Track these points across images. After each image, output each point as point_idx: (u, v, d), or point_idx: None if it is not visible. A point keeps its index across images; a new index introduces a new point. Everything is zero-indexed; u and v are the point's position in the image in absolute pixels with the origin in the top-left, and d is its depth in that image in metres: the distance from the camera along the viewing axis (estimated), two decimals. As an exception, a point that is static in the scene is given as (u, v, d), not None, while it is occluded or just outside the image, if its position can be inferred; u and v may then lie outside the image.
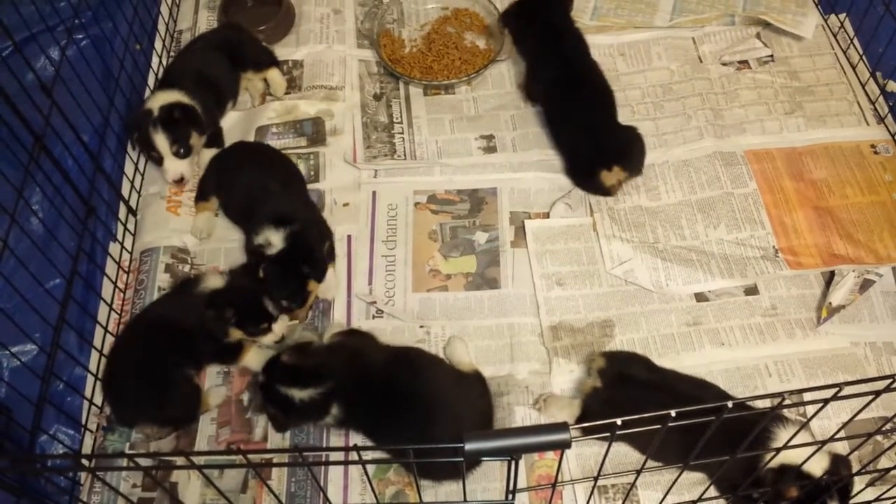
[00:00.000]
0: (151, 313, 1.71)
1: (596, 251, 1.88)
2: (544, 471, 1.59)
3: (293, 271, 1.68)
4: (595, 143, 1.93)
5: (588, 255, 1.87)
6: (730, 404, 0.86)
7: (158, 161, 1.91)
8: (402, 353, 1.65)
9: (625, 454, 1.59)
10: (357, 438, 1.62)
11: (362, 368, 1.56)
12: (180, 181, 1.92)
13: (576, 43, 2.06)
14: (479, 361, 1.70)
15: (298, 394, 1.49)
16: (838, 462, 1.36)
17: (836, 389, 0.88)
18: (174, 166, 1.90)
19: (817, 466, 1.32)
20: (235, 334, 1.64)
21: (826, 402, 0.90)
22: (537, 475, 1.58)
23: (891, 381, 0.89)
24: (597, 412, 1.53)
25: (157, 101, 1.90)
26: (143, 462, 1.53)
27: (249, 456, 1.55)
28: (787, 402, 0.97)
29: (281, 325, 1.67)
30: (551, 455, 1.61)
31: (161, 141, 1.87)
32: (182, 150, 1.89)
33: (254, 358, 1.69)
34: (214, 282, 1.64)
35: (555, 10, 2.09)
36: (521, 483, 1.58)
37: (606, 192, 1.94)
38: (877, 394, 0.91)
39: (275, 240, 1.68)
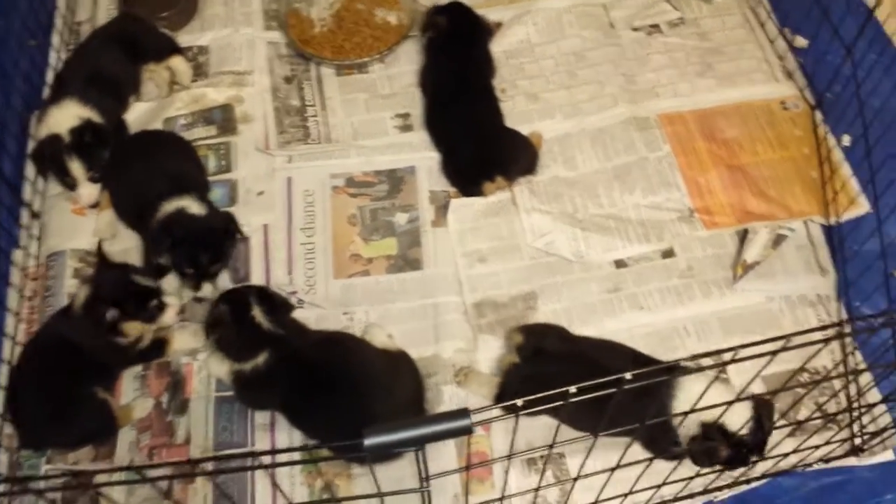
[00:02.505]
0: (48, 333, 1.63)
1: (517, 225, 1.87)
2: (473, 448, 1.59)
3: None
4: (478, 153, 1.90)
5: (509, 230, 1.87)
6: (628, 376, 0.86)
7: (72, 186, 1.82)
8: (330, 337, 1.65)
9: (555, 424, 1.59)
10: (282, 435, 1.60)
11: (301, 343, 1.57)
12: (96, 206, 1.85)
13: (481, 67, 2.05)
14: (404, 344, 1.68)
15: (257, 311, 1.53)
16: (760, 407, 1.37)
17: (732, 354, 0.89)
18: (90, 191, 1.82)
19: (740, 417, 1.33)
20: (132, 329, 1.57)
21: (723, 365, 0.91)
22: (468, 452, 1.58)
23: (785, 340, 0.90)
24: (516, 388, 1.53)
25: (60, 118, 1.80)
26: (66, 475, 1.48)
27: (174, 461, 1.55)
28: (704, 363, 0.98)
29: (175, 299, 1.62)
30: (480, 430, 1.61)
31: (77, 168, 1.79)
32: (98, 175, 1.82)
33: (184, 339, 1.67)
34: (83, 293, 1.55)
35: (475, 35, 2.08)
36: (452, 461, 1.57)
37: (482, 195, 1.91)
38: (773, 353, 0.92)
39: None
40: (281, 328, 1.54)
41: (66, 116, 1.80)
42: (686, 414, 1.07)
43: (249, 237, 1.85)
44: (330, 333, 1.68)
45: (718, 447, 1.33)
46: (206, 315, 1.62)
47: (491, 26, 2.15)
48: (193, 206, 1.68)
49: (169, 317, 1.61)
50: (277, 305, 1.58)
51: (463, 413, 0.85)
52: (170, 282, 1.72)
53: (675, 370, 1.28)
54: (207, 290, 1.69)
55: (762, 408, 1.37)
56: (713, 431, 1.31)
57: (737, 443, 1.33)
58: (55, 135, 1.79)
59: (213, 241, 1.68)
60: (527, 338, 1.57)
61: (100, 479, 1.49)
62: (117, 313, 1.52)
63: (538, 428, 1.59)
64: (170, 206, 1.68)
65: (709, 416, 1.24)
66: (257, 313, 1.53)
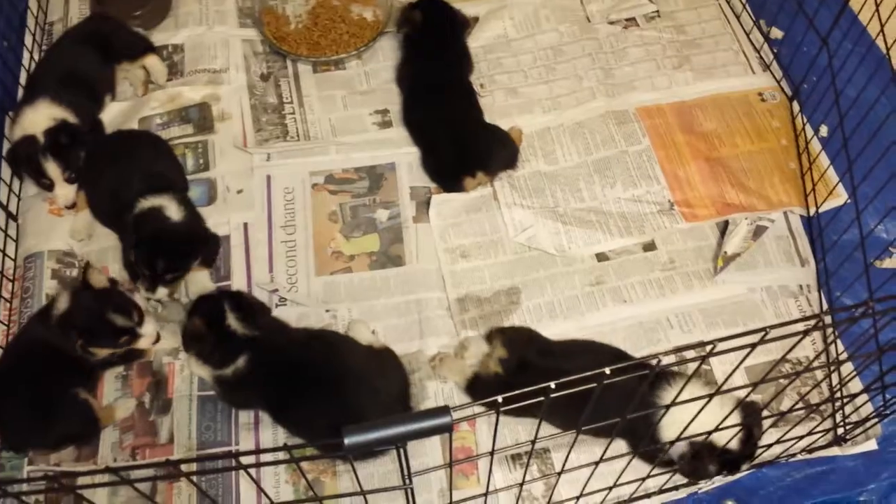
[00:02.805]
0: (29, 335, 1.61)
1: (498, 220, 1.87)
2: (459, 443, 1.59)
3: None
4: (458, 148, 1.89)
5: (491, 225, 1.86)
6: (607, 370, 0.86)
7: (49, 188, 1.81)
8: (315, 334, 1.65)
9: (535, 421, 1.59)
10: (266, 434, 1.60)
11: (285, 342, 1.57)
12: (73, 206, 1.83)
13: (458, 62, 2.05)
14: (388, 340, 1.69)
15: (232, 318, 1.51)
16: (749, 414, 1.36)
17: (711, 347, 0.89)
18: (67, 192, 1.81)
19: (725, 422, 1.32)
20: (101, 352, 1.56)
21: (702, 359, 0.91)
22: (452, 448, 1.58)
23: (764, 332, 0.90)
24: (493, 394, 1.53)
25: (34, 119, 1.78)
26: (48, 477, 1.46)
27: (155, 462, 1.54)
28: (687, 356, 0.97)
29: (152, 326, 1.59)
30: (465, 426, 1.61)
31: (53, 169, 1.77)
32: (74, 176, 1.80)
33: (164, 338, 1.64)
34: (62, 304, 1.53)
35: (451, 30, 2.08)
36: (437, 457, 1.57)
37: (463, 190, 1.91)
38: (753, 346, 0.93)
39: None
40: (256, 330, 1.53)
41: (40, 117, 1.79)
42: (667, 408, 1.06)
43: (228, 235, 1.84)
44: (315, 331, 1.67)
45: (707, 464, 1.34)
46: (182, 327, 1.61)
47: (467, 19, 2.14)
48: (170, 208, 1.67)
49: (144, 344, 1.59)
50: (254, 311, 1.56)
51: (443, 411, 0.85)
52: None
53: (656, 372, 1.27)
54: (162, 293, 1.66)
55: (751, 414, 1.37)
56: (702, 449, 1.31)
57: (727, 455, 1.34)
58: (30, 136, 1.77)
59: (176, 250, 1.65)
60: (510, 350, 1.56)
61: (82, 481, 1.48)
62: (85, 341, 1.51)
63: (524, 423, 1.60)
64: (145, 203, 1.66)
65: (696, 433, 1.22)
66: (232, 321, 1.52)
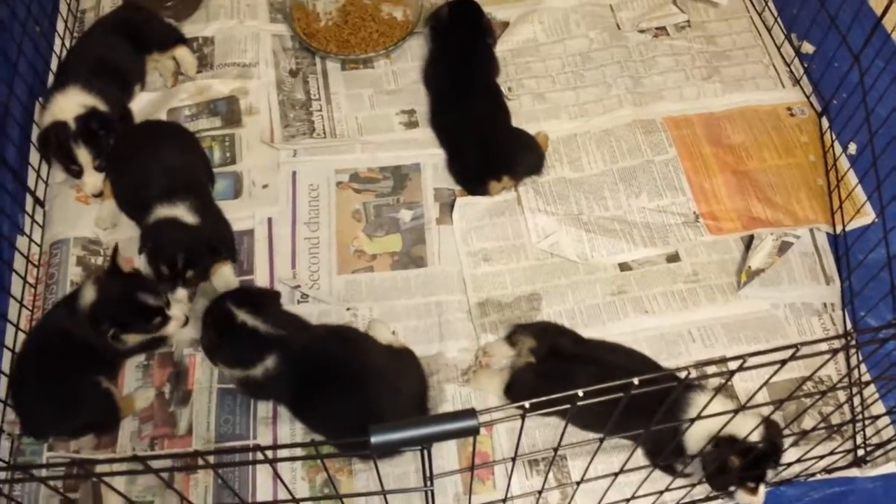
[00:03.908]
0: (52, 321, 1.62)
1: (521, 225, 1.87)
2: (476, 448, 1.58)
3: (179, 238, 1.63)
4: (485, 152, 1.89)
5: (514, 230, 1.86)
6: (636, 381, 0.86)
7: (78, 174, 1.82)
8: (336, 331, 1.65)
9: (557, 425, 1.59)
10: (284, 429, 1.60)
11: (307, 338, 1.56)
12: (100, 194, 1.84)
13: (484, 64, 2.05)
14: (408, 341, 1.69)
15: (246, 316, 1.49)
16: (771, 427, 1.36)
17: (740, 362, 0.88)
18: (95, 179, 1.82)
19: (755, 434, 1.32)
20: (132, 339, 1.58)
21: (731, 373, 0.91)
22: (468, 452, 1.58)
23: (795, 349, 0.89)
24: (532, 387, 1.53)
25: (65, 105, 1.80)
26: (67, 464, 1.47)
27: (176, 452, 1.55)
28: (709, 371, 0.96)
29: (180, 309, 1.60)
30: (482, 430, 1.60)
31: (84, 156, 1.79)
32: (103, 164, 1.82)
33: (186, 329, 1.64)
34: (89, 295, 1.54)
35: (477, 34, 2.08)
36: (453, 461, 1.57)
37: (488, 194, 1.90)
38: (782, 363, 0.92)
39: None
40: (281, 329, 1.52)
41: (70, 104, 1.80)
42: (692, 421, 1.06)
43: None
44: (335, 328, 1.67)
45: (730, 459, 1.33)
46: (202, 340, 1.61)
47: (494, 28, 2.14)
48: (186, 217, 1.66)
49: (172, 328, 1.60)
50: (262, 301, 1.56)
51: (470, 413, 0.85)
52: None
53: (685, 381, 1.27)
54: (182, 294, 1.65)
55: (772, 429, 1.36)
56: (725, 445, 1.30)
57: (750, 453, 1.33)
58: (61, 122, 1.78)
59: (188, 258, 1.63)
60: (540, 340, 1.57)
61: (102, 468, 1.49)
62: (118, 329, 1.53)
63: (541, 429, 1.60)
64: (161, 212, 1.66)
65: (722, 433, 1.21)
66: (247, 318, 1.50)
